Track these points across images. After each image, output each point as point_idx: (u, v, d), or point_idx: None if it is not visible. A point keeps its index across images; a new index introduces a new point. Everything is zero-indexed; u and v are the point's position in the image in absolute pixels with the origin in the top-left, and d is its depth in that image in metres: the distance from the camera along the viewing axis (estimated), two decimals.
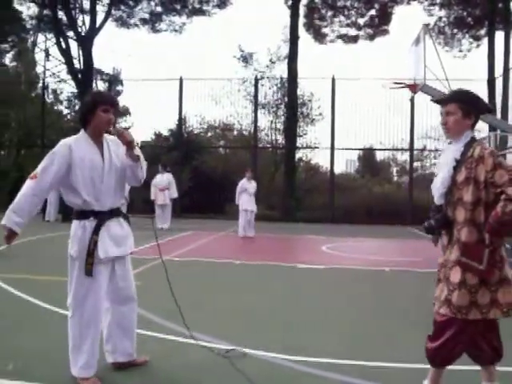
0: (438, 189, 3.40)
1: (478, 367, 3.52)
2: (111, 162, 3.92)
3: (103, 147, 3.94)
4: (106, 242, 3.85)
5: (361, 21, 27.30)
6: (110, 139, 3.99)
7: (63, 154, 3.81)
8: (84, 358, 3.79)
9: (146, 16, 28.55)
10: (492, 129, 14.65)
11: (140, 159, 3.91)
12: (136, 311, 4.18)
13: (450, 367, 3.47)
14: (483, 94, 22.70)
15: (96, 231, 3.82)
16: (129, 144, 3.85)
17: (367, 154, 29.42)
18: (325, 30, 27.88)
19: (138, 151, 3.92)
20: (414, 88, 13.26)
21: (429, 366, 3.50)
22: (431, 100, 3.63)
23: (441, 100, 3.54)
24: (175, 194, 17.57)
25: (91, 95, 4.06)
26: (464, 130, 3.40)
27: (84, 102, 4.03)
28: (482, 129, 21.83)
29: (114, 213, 3.95)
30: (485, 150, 3.24)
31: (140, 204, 19.40)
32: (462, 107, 3.40)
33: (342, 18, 27.41)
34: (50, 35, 30.26)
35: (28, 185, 3.78)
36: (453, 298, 3.23)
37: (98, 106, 3.85)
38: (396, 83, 14.44)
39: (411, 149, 23.67)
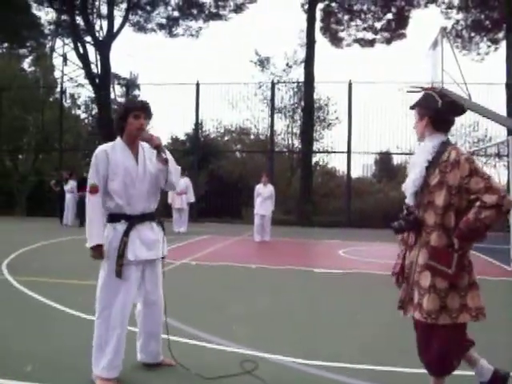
0: (409, 188, 3.41)
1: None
2: (145, 168, 4.05)
3: (138, 153, 4.08)
4: (136, 245, 3.94)
5: (378, 25, 27.24)
6: (145, 146, 4.11)
7: (103, 160, 3.96)
8: (108, 359, 3.84)
9: (163, 21, 28.76)
10: (510, 132, 14.54)
11: (169, 163, 3.99)
12: (161, 316, 4.21)
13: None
14: (501, 98, 22.55)
15: (126, 233, 3.92)
16: (157, 147, 3.97)
17: (384, 158, 29.27)
18: (341, 34, 27.86)
19: (167, 155, 4.02)
20: None
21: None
22: (409, 107, 3.67)
23: (412, 106, 3.60)
24: (192, 199, 17.58)
25: (123, 104, 4.26)
26: (423, 132, 3.44)
27: (117, 111, 4.17)
28: (499, 133, 21.82)
29: (146, 217, 4.06)
30: (461, 155, 3.23)
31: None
32: (419, 111, 3.49)
33: (358, 21, 27.38)
34: (67, 40, 30.64)
35: (94, 201, 3.94)
36: (423, 302, 3.24)
37: (130, 113, 4.00)
38: (413, 87, 14.36)
39: None
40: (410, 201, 3.44)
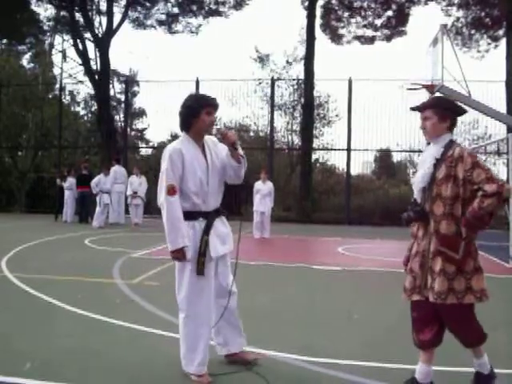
0: (417, 184, 3.70)
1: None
2: (213, 163, 4.05)
3: (205, 149, 4.06)
4: (214, 241, 3.98)
5: (378, 22, 27.16)
6: (207, 139, 4.11)
7: (178, 159, 3.90)
8: (201, 356, 3.90)
9: (163, 17, 28.66)
10: (510, 130, 14.53)
11: (243, 160, 4.02)
12: (236, 304, 4.28)
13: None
14: (501, 96, 22.53)
15: (206, 231, 3.94)
16: (233, 145, 3.94)
17: (384, 156, 29.27)
18: (341, 31, 27.78)
19: (241, 151, 4.02)
20: (431, 89, 13.18)
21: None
22: (410, 108, 3.92)
23: (418, 107, 3.81)
24: None
25: (194, 99, 4.06)
26: (441, 133, 3.73)
27: (187, 106, 4.02)
28: (499, 131, 21.80)
29: (218, 212, 4.10)
30: (464, 151, 3.56)
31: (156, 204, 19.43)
32: (438, 112, 3.70)
33: (358, 18, 27.30)
34: (67, 37, 30.55)
35: (174, 202, 3.85)
36: (435, 285, 3.52)
37: (203, 109, 3.95)
38: (413, 84, 14.38)
39: None
40: (417, 196, 3.72)
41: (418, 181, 3.70)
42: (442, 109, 3.71)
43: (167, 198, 3.84)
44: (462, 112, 3.92)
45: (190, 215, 3.94)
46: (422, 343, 3.66)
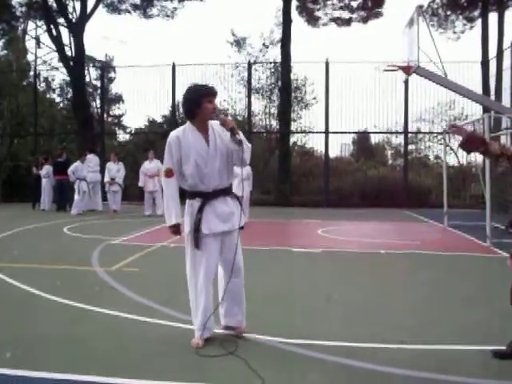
0: None
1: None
2: (216, 147, 4.38)
3: (209, 134, 4.40)
4: (209, 219, 4.32)
5: (354, 3, 27.01)
6: (214, 124, 4.42)
7: (176, 145, 4.34)
8: (199, 320, 4.33)
9: (138, 1, 28.25)
10: (486, 110, 14.66)
11: (243, 143, 4.30)
12: (243, 282, 4.61)
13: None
14: (477, 76, 22.70)
15: (200, 210, 4.32)
16: (232, 130, 4.26)
17: (362, 138, 29.34)
18: (318, 13, 27.64)
19: (240, 136, 4.31)
20: (408, 70, 13.23)
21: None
22: None
23: None
24: None
25: (194, 90, 4.43)
26: None
27: (189, 98, 4.38)
28: (475, 111, 21.99)
29: (219, 193, 4.44)
30: None
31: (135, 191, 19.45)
32: None
33: (334, 0, 27.12)
34: (40, 22, 29.99)
35: (170, 183, 4.39)
36: None
37: (204, 98, 4.31)
38: (390, 66, 14.41)
39: (405, 132, 23.60)
40: None
41: None
42: None
43: (165, 180, 4.41)
44: None
45: (189, 195, 4.43)
46: None
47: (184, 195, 4.48)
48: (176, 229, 4.40)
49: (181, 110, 26.56)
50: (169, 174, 4.37)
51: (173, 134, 4.41)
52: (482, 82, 22.82)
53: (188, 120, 4.43)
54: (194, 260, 4.35)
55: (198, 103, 4.30)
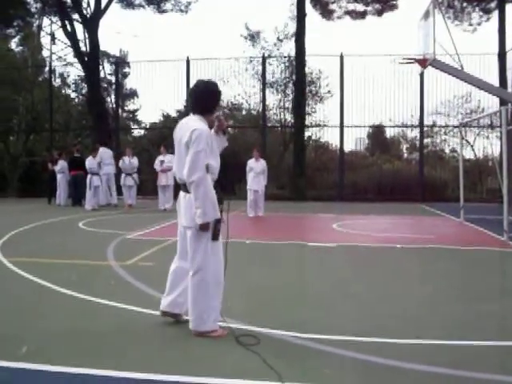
0: None
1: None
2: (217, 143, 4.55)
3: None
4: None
5: None
6: None
7: (209, 140, 4.30)
8: (216, 312, 4.36)
9: None
10: (503, 103, 14.50)
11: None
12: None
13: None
14: (494, 68, 22.47)
15: (220, 201, 4.39)
16: (225, 130, 4.53)
17: (377, 131, 29.21)
18: (332, 6, 27.57)
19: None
20: (423, 63, 13.11)
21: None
22: None
23: None
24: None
25: (215, 85, 4.49)
26: None
27: (215, 91, 4.45)
28: (492, 104, 21.77)
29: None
30: None
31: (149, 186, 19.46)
32: None
33: None
34: (55, 18, 30.13)
35: (208, 178, 4.27)
36: None
37: (220, 95, 4.52)
38: (405, 59, 14.30)
39: (421, 125, 23.46)
40: None
41: None
42: None
43: (205, 175, 4.21)
44: None
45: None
46: None
47: (178, 187, 4.57)
48: (209, 224, 4.26)
49: None
50: (208, 170, 4.27)
51: (204, 128, 4.29)
52: (499, 74, 22.58)
53: (201, 113, 4.40)
54: (214, 252, 4.32)
55: (219, 99, 4.47)
